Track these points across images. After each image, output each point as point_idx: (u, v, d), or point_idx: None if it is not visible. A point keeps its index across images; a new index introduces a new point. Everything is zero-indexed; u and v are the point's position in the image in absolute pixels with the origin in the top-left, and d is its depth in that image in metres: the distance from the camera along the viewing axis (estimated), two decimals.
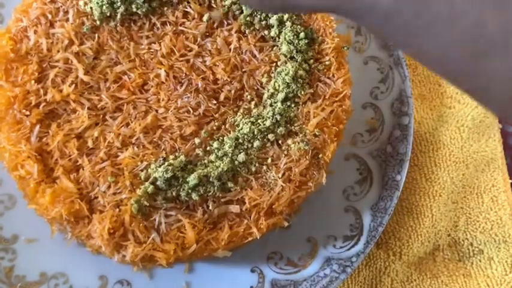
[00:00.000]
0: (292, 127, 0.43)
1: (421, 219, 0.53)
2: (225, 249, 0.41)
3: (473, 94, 0.24)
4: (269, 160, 0.42)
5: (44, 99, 0.42)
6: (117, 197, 0.40)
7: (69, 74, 0.43)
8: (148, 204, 0.40)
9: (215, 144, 0.42)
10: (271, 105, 0.43)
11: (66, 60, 0.43)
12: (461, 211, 0.55)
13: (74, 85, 0.43)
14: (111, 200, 0.40)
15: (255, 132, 0.42)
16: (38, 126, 0.42)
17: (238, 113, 0.43)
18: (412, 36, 0.23)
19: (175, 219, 0.40)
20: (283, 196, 0.41)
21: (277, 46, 0.45)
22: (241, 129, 0.42)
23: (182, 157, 0.41)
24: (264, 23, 0.45)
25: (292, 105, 0.43)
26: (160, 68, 0.44)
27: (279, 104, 0.43)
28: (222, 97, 0.44)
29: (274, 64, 0.44)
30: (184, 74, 0.44)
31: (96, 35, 0.44)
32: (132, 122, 0.43)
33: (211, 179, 0.40)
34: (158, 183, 0.40)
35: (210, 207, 0.40)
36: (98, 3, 0.43)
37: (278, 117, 0.42)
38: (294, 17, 0.45)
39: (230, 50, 0.44)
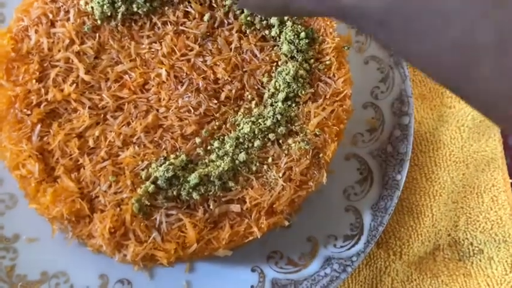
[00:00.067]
0: (293, 127, 0.43)
1: (422, 218, 0.53)
2: (226, 249, 0.41)
3: (469, 101, 0.24)
4: (270, 159, 0.42)
5: (45, 99, 0.42)
6: (118, 196, 0.40)
7: (70, 74, 0.43)
8: (149, 204, 0.40)
9: (216, 144, 0.42)
10: (271, 104, 0.43)
11: (67, 59, 0.43)
12: (461, 211, 0.55)
13: (74, 84, 0.43)
14: (112, 199, 0.40)
15: (256, 132, 0.42)
16: (39, 126, 0.42)
17: (239, 113, 0.43)
18: (402, 43, 0.24)
19: (176, 218, 0.40)
20: (283, 195, 0.41)
21: (278, 46, 0.45)
22: (242, 128, 0.42)
23: (183, 156, 0.41)
24: (264, 22, 0.45)
25: (293, 105, 0.43)
26: (161, 68, 0.44)
27: (279, 104, 0.43)
28: (222, 97, 0.44)
29: (275, 64, 0.45)
30: (185, 74, 0.44)
31: (97, 34, 0.44)
32: (133, 122, 0.43)
33: (212, 179, 0.40)
34: (159, 182, 0.40)
35: (211, 207, 0.41)
36: (98, 2, 0.43)
37: (279, 116, 0.42)
38: (295, 17, 0.45)
39: (231, 49, 0.44)
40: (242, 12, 0.45)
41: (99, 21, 0.44)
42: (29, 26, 0.44)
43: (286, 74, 0.43)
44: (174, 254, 0.40)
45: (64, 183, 0.41)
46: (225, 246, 0.41)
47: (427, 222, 0.53)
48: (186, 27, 0.45)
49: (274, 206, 0.41)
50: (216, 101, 0.43)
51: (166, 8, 0.45)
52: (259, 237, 0.41)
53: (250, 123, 0.42)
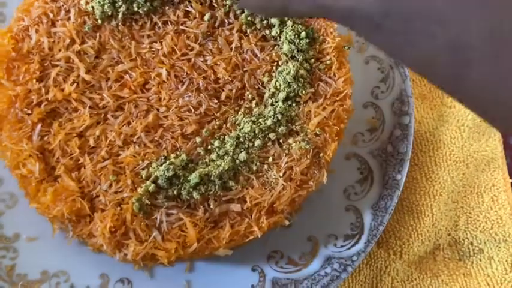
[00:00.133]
0: (293, 126, 0.43)
1: (422, 218, 0.53)
2: (226, 248, 0.42)
3: (464, 102, 0.24)
4: (270, 159, 0.42)
5: (46, 98, 0.42)
6: (119, 195, 0.40)
7: (71, 73, 0.43)
8: (149, 203, 0.40)
9: (216, 143, 0.42)
10: (272, 104, 0.43)
11: (67, 59, 0.44)
12: (461, 210, 0.55)
13: (75, 84, 0.43)
14: (113, 198, 0.40)
15: (256, 131, 0.42)
16: (39, 125, 0.42)
17: (240, 112, 0.43)
18: (398, 45, 0.24)
19: (176, 217, 0.40)
20: (284, 195, 0.41)
21: (279, 45, 0.45)
22: (243, 128, 0.42)
23: (183, 156, 0.41)
24: (265, 22, 0.45)
25: (293, 105, 0.43)
26: (162, 67, 0.44)
27: (280, 103, 0.43)
28: (223, 96, 0.44)
29: (276, 63, 0.45)
30: (185, 73, 0.44)
31: (98, 34, 0.44)
32: (133, 121, 0.43)
33: (212, 178, 0.40)
34: (159, 181, 0.40)
35: (211, 206, 0.41)
36: (99, 2, 0.43)
37: (279, 116, 0.42)
38: (295, 17, 0.45)
39: (231, 49, 0.45)
40: (243, 12, 0.45)
41: (99, 21, 0.44)
42: (30, 26, 0.44)
43: (287, 74, 0.43)
44: (174, 253, 0.40)
45: (64, 183, 0.41)
46: (226, 246, 0.41)
47: (427, 222, 0.53)
48: (187, 27, 0.45)
49: (274, 205, 0.41)
50: (216, 101, 0.43)
51: (166, 7, 0.45)
52: (259, 236, 0.41)
53: (250, 123, 0.42)
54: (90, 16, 0.44)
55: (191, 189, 0.40)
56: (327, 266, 0.47)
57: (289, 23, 0.44)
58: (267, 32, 0.45)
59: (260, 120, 0.43)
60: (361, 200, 0.50)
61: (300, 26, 0.44)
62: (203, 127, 0.43)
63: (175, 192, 0.40)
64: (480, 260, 0.53)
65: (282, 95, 0.43)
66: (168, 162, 0.40)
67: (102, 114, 0.43)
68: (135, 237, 0.40)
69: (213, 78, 0.44)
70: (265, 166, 0.42)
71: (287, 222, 0.43)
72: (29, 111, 0.42)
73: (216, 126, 0.43)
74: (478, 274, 0.53)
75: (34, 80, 0.42)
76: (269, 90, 0.44)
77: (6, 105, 0.42)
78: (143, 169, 0.41)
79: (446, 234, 0.54)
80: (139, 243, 0.40)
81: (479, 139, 0.56)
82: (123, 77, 0.44)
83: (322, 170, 0.42)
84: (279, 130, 0.42)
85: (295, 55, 0.44)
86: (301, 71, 0.43)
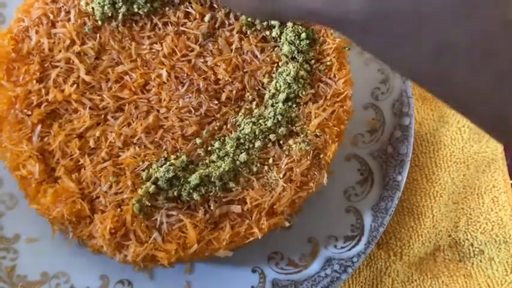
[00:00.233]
0: (294, 127, 0.43)
1: (422, 219, 0.53)
2: (226, 249, 0.41)
3: (449, 103, 0.25)
4: (270, 160, 0.42)
5: (46, 99, 0.42)
6: (119, 196, 0.40)
7: (71, 74, 0.43)
8: (149, 204, 0.40)
9: (216, 144, 0.42)
10: (272, 105, 0.43)
11: (67, 60, 0.43)
12: (461, 212, 0.55)
13: (75, 85, 0.43)
14: (113, 199, 0.40)
15: (257, 133, 0.42)
16: (39, 126, 0.42)
17: (240, 113, 0.43)
18: (383, 48, 0.24)
19: (176, 219, 0.40)
20: (284, 196, 0.41)
21: (279, 46, 0.45)
22: (243, 129, 0.42)
23: (184, 157, 0.41)
24: (265, 23, 0.45)
25: (294, 106, 0.43)
26: (162, 68, 0.44)
27: (280, 105, 0.43)
28: (223, 97, 0.44)
29: (276, 64, 0.45)
30: (185, 74, 0.44)
31: (98, 35, 0.44)
32: (133, 122, 0.43)
33: (212, 179, 0.40)
34: (160, 183, 0.40)
35: (212, 207, 0.40)
36: (99, 3, 0.43)
37: (279, 117, 0.42)
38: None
39: (231, 50, 0.44)
40: None
41: (99, 22, 0.44)
42: (30, 27, 0.44)
43: (287, 75, 0.43)
44: (174, 255, 0.40)
45: (64, 184, 0.41)
46: (226, 247, 0.41)
47: (427, 223, 0.53)
48: (187, 28, 0.45)
49: (274, 206, 0.41)
50: (216, 102, 0.43)
51: (167, 8, 0.45)
52: (259, 238, 0.41)
53: (250, 124, 0.42)
54: (90, 17, 0.44)
55: (191, 191, 0.40)
56: (327, 267, 0.47)
57: (290, 24, 0.44)
58: (267, 33, 0.45)
59: (260, 121, 0.43)
60: (361, 201, 0.49)
61: (300, 27, 0.44)
62: (203, 128, 0.43)
63: (175, 194, 0.40)
64: (480, 261, 0.53)
65: (282, 96, 0.43)
66: (168, 163, 0.40)
67: (102, 115, 0.43)
68: (135, 238, 0.40)
69: (213, 79, 0.44)
70: (266, 167, 0.42)
71: (287, 224, 0.43)
72: (29, 112, 0.42)
73: (216, 127, 0.43)
74: (478, 275, 0.53)
75: (34, 81, 0.42)
76: (269, 91, 0.44)
77: (6, 106, 0.42)
78: (143, 170, 0.41)
79: (447, 235, 0.54)
80: (140, 244, 0.39)
81: (480, 140, 0.56)
82: (123, 78, 0.44)
83: (322, 171, 0.42)
84: (279, 131, 0.42)
85: (296, 56, 0.44)
86: (302, 72, 0.43)
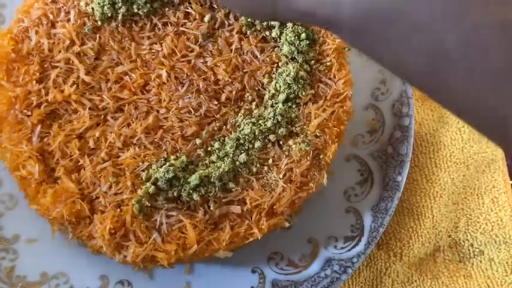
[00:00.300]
0: (293, 128, 0.43)
1: (422, 220, 0.53)
2: (226, 250, 0.41)
3: (444, 105, 0.25)
4: (270, 161, 0.42)
5: (45, 100, 0.42)
6: (119, 197, 0.40)
7: (71, 75, 0.43)
8: (149, 205, 0.40)
9: (216, 145, 0.42)
10: (272, 106, 0.43)
11: (67, 60, 0.43)
12: (461, 212, 0.55)
13: (75, 85, 0.43)
14: (113, 200, 0.40)
15: (256, 133, 0.42)
16: (39, 127, 0.42)
17: (240, 114, 0.43)
18: (377, 51, 0.25)
19: (176, 219, 0.40)
20: (284, 197, 0.41)
21: (279, 47, 0.45)
22: (243, 129, 0.42)
23: (183, 157, 0.41)
24: (265, 23, 0.45)
25: (293, 106, 0.43)
26: (162, 69, 0.44)
27: (280, 105, 0.43)
28: (223, 98, 0.44)
29: (276, 65, 0.45)
30: (185, 75, 0.44)
31: (98, 35, 0.44)
32: (133, 123, 0.43)
33: (212, 180, 0.40)
34: (159, 183, 0.40)
35: (211, 208, 0.40)
36: (99, 3, 0.43)
37: (279, 118, 0.42)
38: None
39: (231, 50, 0.44)
40: None
41: (99, 22, 0.44)
42: (30, 27, 0.44)
43: (287, 75, 0.43)
44: (174, 255, 0.40)
45: (64, 184, 0.41)
46: (226, 248, 0.41)
47: (427, 224, 0.53)
48: (187, 28, 0.45)
49: (274, 207, 0.41)
50: (216, 102, 0.43)
51: (166, 9, 0.45)
52: (259, 238, 0.41)
53: (250, 124, 0.42)
54: (90, 17, 0.44)
55: (191, 191, 0.40)
56: (327, 268, 0.47)
57: (289, 24, 0.44)
58: (267, 33, 0.45)
59: (260, 121, 0.43)
60: (361, 202, 0.49)
61: (300, 27, 0.44)
62: (203, 129, 0.43)
63: (175, 194, 0.40)
64: (480, 262, 0.53)
65: (282, 97, 0.43)
66: (168, 163, 0.40)
67: (102, 116, 0.43)
68: (135, 239, 0.40)
69: (213, 79, 0.44)
70: (265, 168, 0.42)
71: (287, 224, 0.43)
72: (29, 113, 0.42)
73: (216, 128, 0.43)
74: (478, 276, 0.53)
75: (34, 82, 0.42)
76: (269, 92, 0.44)
77: (6, 106, 0.42)
78: (143, 171, 0.41)
79: (447, 235, 0.54)
80: (139, 245, 0.39)
81: (480, 141, 0.56)
82: (123, 78, 0.44)
83: (322, 171, 0.42)
84: (279, 132, 0.42)
85: (295, 56, 0.44)
86: (301, 73, 0.43)
